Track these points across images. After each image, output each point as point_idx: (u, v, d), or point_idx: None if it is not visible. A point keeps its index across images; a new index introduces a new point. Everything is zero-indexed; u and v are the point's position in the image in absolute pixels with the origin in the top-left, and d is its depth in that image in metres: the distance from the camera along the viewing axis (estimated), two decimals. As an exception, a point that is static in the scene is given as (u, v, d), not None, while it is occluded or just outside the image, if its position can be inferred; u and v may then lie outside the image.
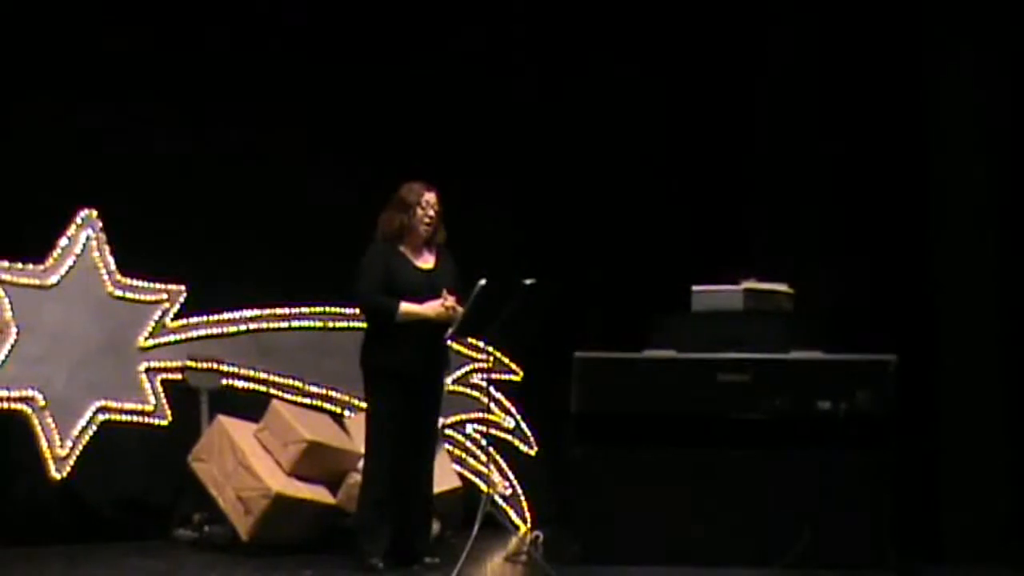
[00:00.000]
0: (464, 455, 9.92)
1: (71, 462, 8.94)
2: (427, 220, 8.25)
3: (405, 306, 8.11)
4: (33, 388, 8.87)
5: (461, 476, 9.69)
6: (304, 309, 9.65)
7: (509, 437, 10.09)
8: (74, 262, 9.07)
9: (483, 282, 7.96)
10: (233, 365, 9.42)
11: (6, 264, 8.91)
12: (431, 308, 8.12)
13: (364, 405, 8.46)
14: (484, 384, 9.55)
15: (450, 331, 8.15)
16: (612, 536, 8.42)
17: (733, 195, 10.22)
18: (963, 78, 9.10)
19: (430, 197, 8.27)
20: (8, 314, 8.85)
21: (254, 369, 9.49)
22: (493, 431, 9.84)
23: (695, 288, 8.79)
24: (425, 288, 8.18)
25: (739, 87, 10.19)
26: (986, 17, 9.08)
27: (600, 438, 8.50)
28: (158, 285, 9.33)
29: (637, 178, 10.40)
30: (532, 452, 10.18)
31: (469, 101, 10.13)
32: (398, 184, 8.30)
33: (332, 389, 9.61)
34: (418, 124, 9.93)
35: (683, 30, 10.31)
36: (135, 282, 9.26)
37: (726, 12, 10.22)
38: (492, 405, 9.71)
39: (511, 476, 10.04)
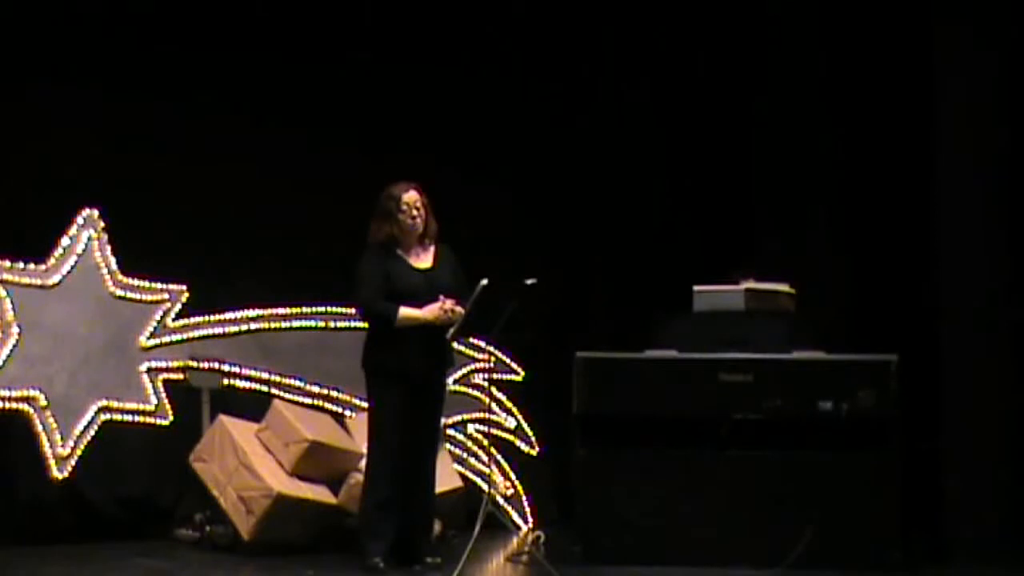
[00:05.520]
0: (465, 455, 9.92)
1: (72, 462, 8.93)
2: (412, 221, 8.23)
3: (403, 311, 8.10)
4: (35, 388, 8.86)
5: (462, 476, 9.69)
6: (305, 309, 9.65)
7: (510, 437, 10.09)
8: (76, 262, 9.06)
9: (484, 282, 7.96)
10: (234, 365, 9.41)
11: (8, 264, 8.90)
12: (430, 312, 8.12)
13: (365, 405, 8.47)
14: (485, 384, 9.54)
15: (451, 332, 8.15)
16: (613, 536, 8.43)
17: (735, 195, 10.23)
18: (969, 79, 9.10)
19: (409, 198, 8.23)
20: (10, 314, 8.85)
21: (255, 369, 9.48)
22: (495, 431, 9.84)
23: (697, 288, 8.80)
24: (425, 289, 8.17)
25: (744, 86, 10.20)
26: (993, 15, 9.08)
27: (602, 438, 8.51)
28: (159, 285, 9.32)
29: (638, 178, 10.40)
30: (533, 452, 10.18)
31: (472, 100, 10.12)
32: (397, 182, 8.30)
33: (333, 389, 9.60)
34: (420, 123, 9.93)
35: (688, 28, 10.31)
36: (136, 282, 9.25)
37: (731, 13, 10.21)
38: (493, 405, 9.71)
39: (512, 476, 10.04)
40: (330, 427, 9.33)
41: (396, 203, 8.22)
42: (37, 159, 9.26)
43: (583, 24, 10.40)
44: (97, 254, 9.12)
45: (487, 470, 9.25)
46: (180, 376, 9.32)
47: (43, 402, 8.87)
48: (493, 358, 9.48)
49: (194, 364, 9.31)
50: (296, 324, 9.64)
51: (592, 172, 10.38)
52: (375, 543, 8.17)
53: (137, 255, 9.24)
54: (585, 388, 8.53)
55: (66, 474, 8.93)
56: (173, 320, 9.34)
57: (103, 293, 9.16)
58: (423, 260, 8.30)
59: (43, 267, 9.01)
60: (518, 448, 10.12)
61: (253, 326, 9.55)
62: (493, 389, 9.55)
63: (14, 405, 8.84)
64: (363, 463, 8.45)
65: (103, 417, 9.06)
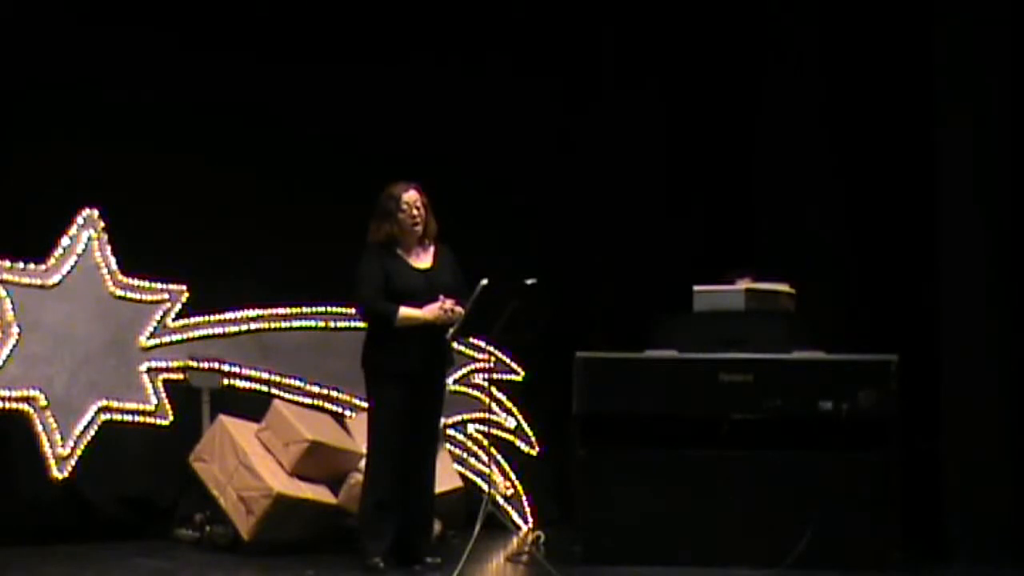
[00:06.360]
0: (465, 455, 9.92)
1: (72, 462, 8.94)
2: (412, 221, 8.23)
3: (404, 311, 8.10)
4: (35, 388, 8.87)
5: (462, 476, 9.69)
6: (305, 309, 9.65)
7: (510, 437, 10.09)
8: (76, 262, 9.06)
9: (484, 282, 7.96)
10: (234, 365, 9.42)
11: (8, 264, 8.91)
12: (429, 312, 8.12)
13: (365, 405, 8.47)
14: (485, 384, 9.54)
15: (451, 332, 8.15)
16: (613, 536, 8.43)
17: (735, 195, 10.23)
18: (969, 79, 9.09)
19: (409, 197, 8.23)
20: (10, 314, 8.85)
21: (255, 369, 9.48)
22: (495, 431, 9.84)
23: (697, 288, 8.79)
24: (424, 289, 8.17)
25: (743, 87, 10.20)
26: (994, 13, 9.07)
27: (601, 438, 8.50)
28: (159, 285, 9.33)
29: (639, 178, 10.40)
30: (533, 452, 10.18)
31: (472, 99, 10.12)
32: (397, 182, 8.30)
33: (333, 389, 9.60)
34: (419, 123, 9.93)
35: (688, 31, 10.30)
36: (136, 282, 9.26)
37: (732, 17, 10.21)
38: (493, 405, 9.71)
39: (512, 476, 10.04)
40: (330, 427, 9.33)
41: (396, 202, 8.22)
42: (37, 159, 9.26)
43: (584, 25, 10.39)
44: (97, 254, 9.13)
45: (487, 470, 9.25)
46: (180, 376, 9.32)
47: (43, 402, 8.87)
48: (493, 358, 9.47)
49: (194, 364, 9.31)
50: (296, 324, 9.64)
51: (593, 172, 10.37)
52: (375, 543, 8.17)
53: (137, 255, 9.24)
54: (585, 388, 8.53)
55: (66, 474, 8.94)
56: (173, 320, 9.34)
57: (103, 293, 9.16)
58: (423, 260, 8.30)
59: (43, 267, 9.01)
60: (518, 448, 10.12)
61: (253, 326, 9.56)
62: (493, 389, 9.55)
63: (14, 405, 8.85)
64: (363, 463, 8.45)
65: (103, 417, 9.07)
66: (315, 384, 9.59)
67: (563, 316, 9.96)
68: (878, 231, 9.69)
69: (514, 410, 10.11)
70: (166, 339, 9.32)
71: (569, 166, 10.33)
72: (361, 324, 8.45)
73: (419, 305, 8.12)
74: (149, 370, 9.25)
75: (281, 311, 9.61)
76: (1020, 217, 9.06)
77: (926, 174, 9.27)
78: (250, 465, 8.82)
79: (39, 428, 8.87)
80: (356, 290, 8.23)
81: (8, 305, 8.85)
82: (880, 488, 8.30)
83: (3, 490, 9.15)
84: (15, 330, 8.86)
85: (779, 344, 8.54)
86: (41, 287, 8.98)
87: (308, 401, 9.54)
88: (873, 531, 8.28)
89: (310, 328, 9.66)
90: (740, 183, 10.24)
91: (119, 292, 9.20)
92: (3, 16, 9.17)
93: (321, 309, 9.65)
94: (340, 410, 9.61)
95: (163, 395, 9.26)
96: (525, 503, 10.06)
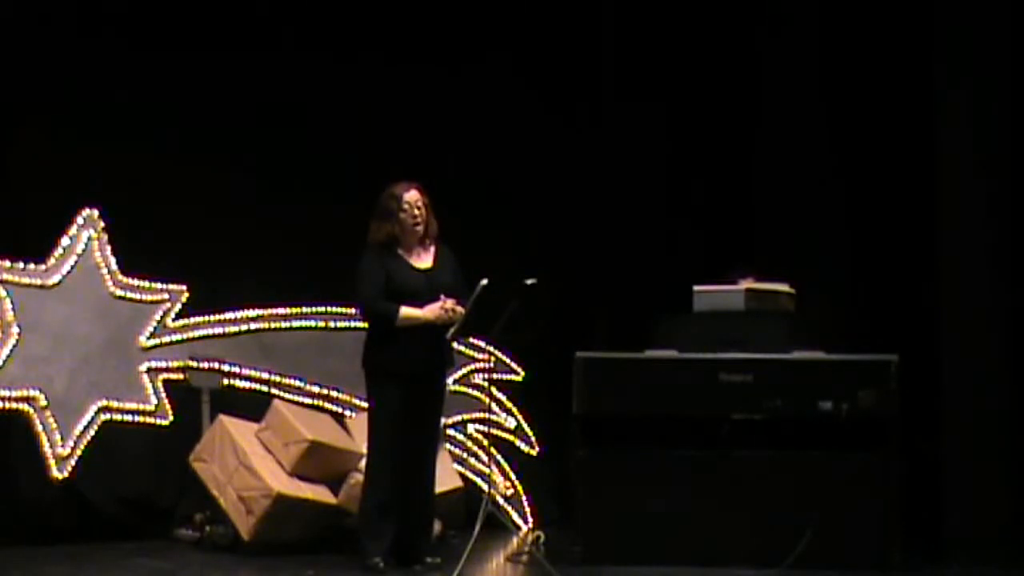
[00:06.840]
0: (465, 455, 9.92)
1: (72, 462, 8.93)
2: (414, 221, 8.23)
3: (405, 311, 8.10)
4: (35, 388, 8.86)
5: (463, 476, 9.69)
6: (305, 309, 9.65)
7: (511, 437, 10.09)
8: (76, 262, 9.06)
9: (484, 282, 7.96)
10: (234, 365, 9.41)
11: (7, 264, 8.90)
12: (431, 311, 8.12)
13: (365, 405, 8.47)
14: (485, 384, 9.54)
15: (451, 332, 8.15)
16: (613, 536, 8.42)
17: (735, 195, 10.23)
18: (971, 76, 9.10)
19: (411, 197, 8.23)
20: (10, 314, 8.85)
21: (255, 369, 9.48)
22: (495, 431, 9.84)
23: (697, 288, 8.79)
24: (425, 289, 8.17)
25: (744, 87, 10.20)
26: (993, 22, 9.09)
27: (602, 438, 8.50)
28: (159, 285, 9.33)
29: (640, 178, 10.40)
30: (534, 452, 10.18)
31: (470, 102, 10.12)
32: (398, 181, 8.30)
33: (333, 389, 9.60)
34: (420, 123, 9.93)
35: (689, 32, 10.31)
36: (136, 282, 9.26)
37: (731, 17, 10.22)
38: (494, 405, 9.71)
39: (512, 476, 10.04)
40: (330, 427, 9.33)
41: (397, 202, 8.22)
42: (37, 159, 9.26)
43: (586, 27, 10.39)
44: (97, 254, 9.12)
45: (487, 470, 9.25)
46: (180, 376, 9.32)
47: (43, 402, 8.87)
48: (493, 358, 9.48)
49: (194, 364, 9.31)
50: (296, 324, 9.64)
51: (593, 172, 10.37)
52: (375, 543, 8.17)
53: (137, 255, 9.24)
54: (585, 388, 8.52)
55: (66, 474, 8.93)
56: (173, 320, 9.34)
57: (103, 293, 9.16)
58: (423, 260, 8.30)
59: (43, 267, 9.01)
60: (518, 448, 10.12)
61: (253, 326, 9.55)
62: (493, 389, 9.55)
63: (14, 405, 8.84)
64: (363, 463, 8.45)
65: (103, 417, 9.06)
66: (315, 384, 9.59)
67: (563, 316, 9.97)
68: (878, 231, 9.70)
69: (514, 410, 10.11)
70: (166, 339, 9.32)
71: (570, 166, 10.32)
72: (361, 324, 8.45)
73: (420, 305, 8.12)
74: (149, 370, 9.24)
75: (281, 311, 9.61)
76: (1020, 217, 9.07)
77: (926, 174, 9.29)
78: (250, 465, 8.82)
79: (39, 428, 8.87)
80: (357, 290, 8.23)
81: (8, 305, 8.85)
82: (880, 488, 8.29)
83: (3, 490, 9.15)
84: (15, 330, 8.85)
85: (779, 344, 8.54)
86: (41, 287, 8.98)
87: (308, 401, 9.54)
88: (873, 531, 8.28)
89: (310, 328, 9.65)
90: (740, 183, 10.24)
91: (119, 292, 9.20)
92: (3, 16, 9.17)
93: (321, 309, 9.65)
94: (340, 410, 9.60)
95: (163, 395, 9.26)
96: (525, 503, 10.06)
